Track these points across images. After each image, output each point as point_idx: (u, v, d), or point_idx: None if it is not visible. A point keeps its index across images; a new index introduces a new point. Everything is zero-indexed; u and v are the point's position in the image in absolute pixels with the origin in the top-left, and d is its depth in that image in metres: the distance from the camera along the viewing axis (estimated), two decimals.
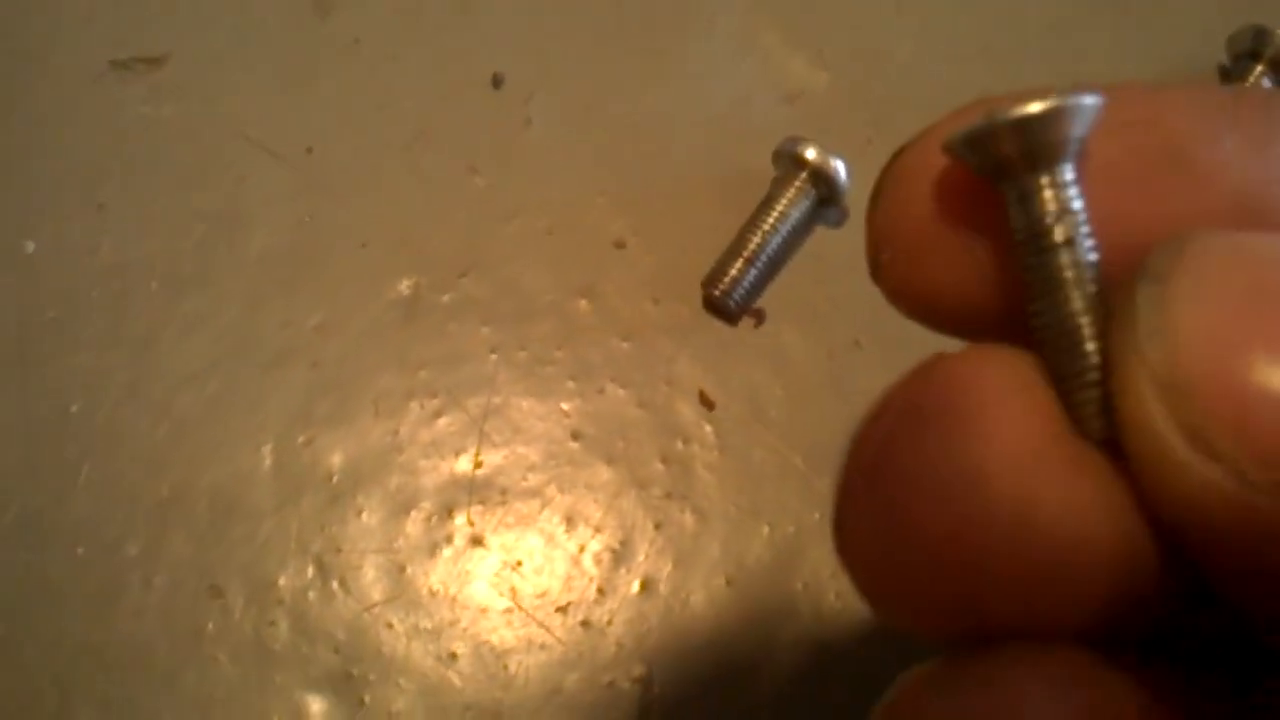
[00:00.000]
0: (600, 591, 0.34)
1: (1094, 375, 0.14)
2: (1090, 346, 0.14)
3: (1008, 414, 0.14)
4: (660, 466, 0.36)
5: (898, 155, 0.16)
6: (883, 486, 0.14)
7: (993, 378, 0.14)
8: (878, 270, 0.17)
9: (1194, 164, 0.14)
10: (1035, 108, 0.14)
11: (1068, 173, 0.14)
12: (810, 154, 0.37)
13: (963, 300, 0.16)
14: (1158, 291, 0.13)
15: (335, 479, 0.36)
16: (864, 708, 0.34)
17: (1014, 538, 0.13)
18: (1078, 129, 0.14)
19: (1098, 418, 0.14)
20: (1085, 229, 0.14)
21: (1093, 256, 0.14)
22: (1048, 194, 0.14)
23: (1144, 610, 0.14)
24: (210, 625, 0.34)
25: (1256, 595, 0.13)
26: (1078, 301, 0.14)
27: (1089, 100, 0.14)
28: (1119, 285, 0.14)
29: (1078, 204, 0.14)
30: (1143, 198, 0.15)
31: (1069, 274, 0.14)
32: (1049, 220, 0.14)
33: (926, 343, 0.41)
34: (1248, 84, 0.39)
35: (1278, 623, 0.13)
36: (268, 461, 0.36)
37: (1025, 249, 0.15)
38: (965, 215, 0.15)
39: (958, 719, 0.14)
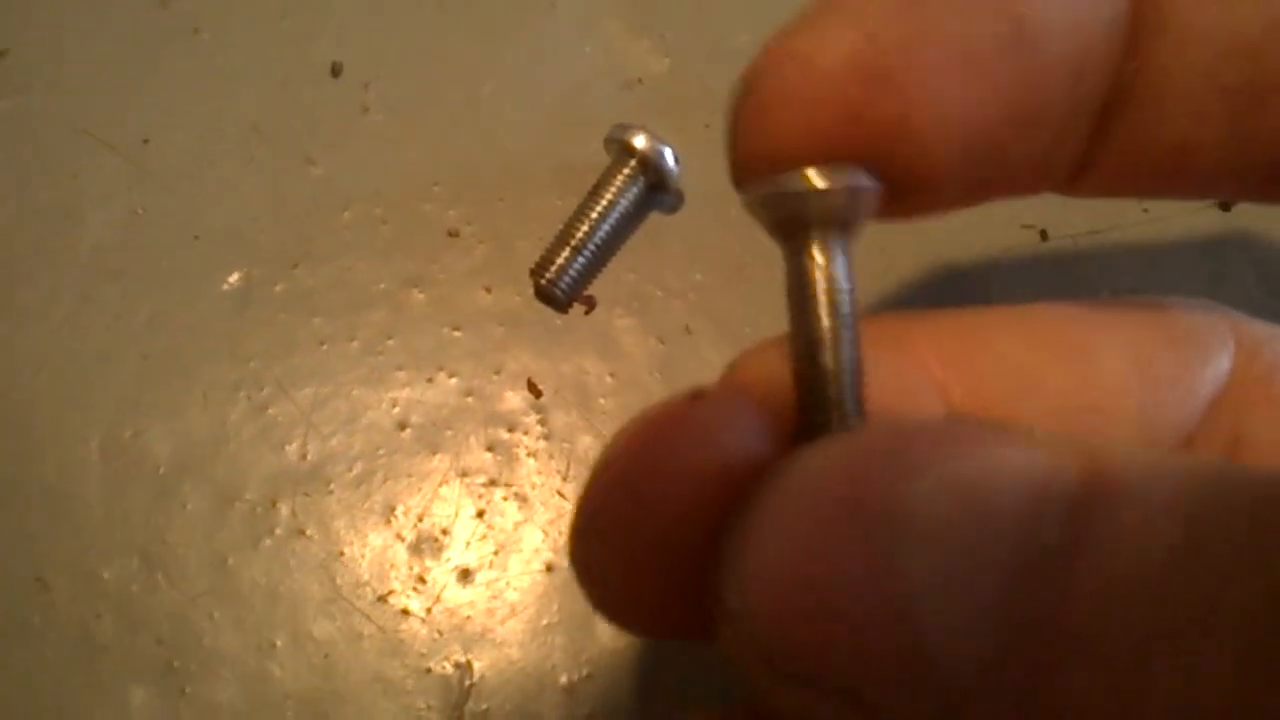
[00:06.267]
0: (421, 580, 0.35)
1: (827, 390, 0.17)
2: (827, 358, 0.17)
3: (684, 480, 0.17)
4: (486, 455, 0.36)
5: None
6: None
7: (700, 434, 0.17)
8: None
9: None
10: (826, 184, 0.17)
11: (839, 244, 0.17)
12: (639, 141, 0.37)
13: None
14: (740, 531, 0.15)
15: (162, 471, 0.36)
16: (681, 691, 0.34)
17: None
18: (858, 211, 0.17)
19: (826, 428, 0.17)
20: (843, 282, 0.17)
21: (847, 310, 0.17)
22: (817, 253, 0.17)
23: None
24: (37, 618, 0.35)
25: None
26: (824, 321, 0.17)
27: (868, 185, 0.17)
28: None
29: (840, 264, 0.17)
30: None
31: (825, 306, 0.17)
32: (816, 273, 0.17)
33: (755, 329, 0.41)
34: None
35: None
36: (95, 454, 0.36)
37: (793, 294, 0.17)
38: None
39: None
